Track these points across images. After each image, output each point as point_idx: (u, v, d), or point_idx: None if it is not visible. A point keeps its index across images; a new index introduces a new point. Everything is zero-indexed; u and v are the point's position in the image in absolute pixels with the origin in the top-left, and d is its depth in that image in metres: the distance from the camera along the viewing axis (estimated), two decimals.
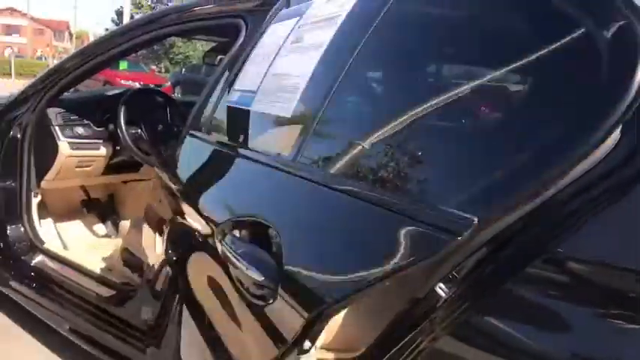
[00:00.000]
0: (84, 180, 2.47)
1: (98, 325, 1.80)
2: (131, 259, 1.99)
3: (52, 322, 1.96)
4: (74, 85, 2.15)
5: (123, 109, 2.15)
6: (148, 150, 2.26)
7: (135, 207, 2.82)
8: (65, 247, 2.49)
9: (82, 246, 2.58)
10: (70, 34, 56.41)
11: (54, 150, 2.16)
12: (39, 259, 2.16)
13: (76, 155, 2.22)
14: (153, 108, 2.36)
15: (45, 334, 2.05)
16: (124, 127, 2.14)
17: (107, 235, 2.77)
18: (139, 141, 2.23)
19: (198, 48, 24.38)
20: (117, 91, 2.47)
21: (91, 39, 29.82)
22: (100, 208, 2.82)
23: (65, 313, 1.92)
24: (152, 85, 10.08)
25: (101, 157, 2.33)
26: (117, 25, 29.93)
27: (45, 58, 30.35)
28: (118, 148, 2.34)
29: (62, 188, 2.48)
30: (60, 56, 31.33)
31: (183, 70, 17.11)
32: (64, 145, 2.17)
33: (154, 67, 21.99)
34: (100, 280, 2.00)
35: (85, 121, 2.27)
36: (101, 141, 2.31)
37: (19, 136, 2.09)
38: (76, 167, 2.27)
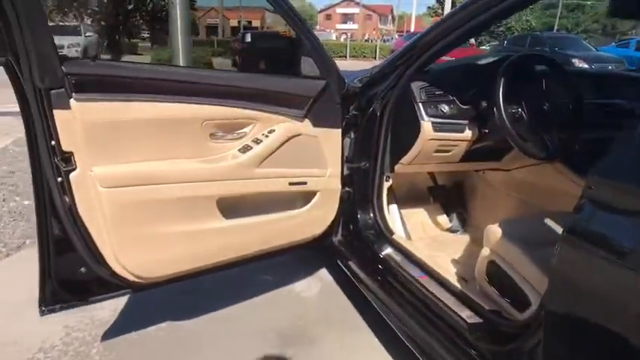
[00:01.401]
0: (438, 166, 2.14)
1: (455, 354, 1.42)
2: (501, 278, 1.53)
3: (393, 323, 1.70)
4: (437, 58, 1.79)
5: (502, 82, 1.67)
6: (525, 135, 1.73)
7: (486, 202, 2.37)
8: (408, 237, 2.24)
9: (424, 238, 2.29)
10: (393, 18, 61.32)
11: (415, 130, 1.86)
12: (387, 251, 1.94)
13: (438, 138, 1.87)
14: (536, 81, 1.81)
15: (390, 336, 1.82)
16: (502, 105, 1.66)
17: (451, 230, 2.42)
18: (517, 123, 1.71)
19: (521, 18, 22.43)
20: (489, 60, 2.01)
21: (413, 20, 31.33)
22: (446, 197, 2.48)
23: (410, 321, 1.62)
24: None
25: (464, 141, 1.92)
26: (440, 3, 30.29)
27: (371, 41, 33.61)
28: (485, 131, 1.89)
29: (412, 173, 2.22)
30: (383, 38, 34.23)
31: (505, 42, 15.92)
32: (427, 125, 1.85)
33: (472, 40, 21.39)
34: (457, 294, 1.61)
35: (451, 97, 1.89)
36: (466, 122, 1.90)
37: (379, 114, 1.87)
38: (435, 152, 1.93)
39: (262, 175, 1.62)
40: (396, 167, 2.00)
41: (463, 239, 2.30)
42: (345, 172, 1.95)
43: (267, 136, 1.61)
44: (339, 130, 1.84)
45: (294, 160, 1.70)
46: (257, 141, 1.59)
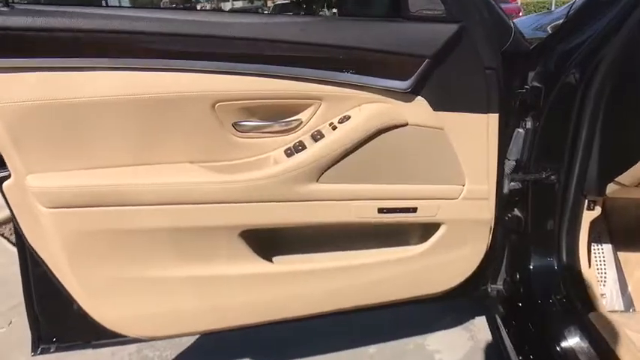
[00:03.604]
0: None
1: None
2: None
3: None
4: None
5: None
6: None
7: None
8: (629, 306, 1.29)
9: None
10: None
11: None
12: (575, 341, 1.06)
13: None
14: None
15: None
16: None
17: None
18: None
19: None
20: None
21: None
22: None
23: None
24: None
25: None
26: None
27: None
28: None
29: None
30: None
31: None
32: None
33: None
34: None
35: None
36: None
37: (581, 85, 0.99)
38: None
39: (325, 195, 0.94)
40: (611, 189, 1.07)
41: None
42: (511, 186, 1.13)
43: (335, 128, 0.91)
44: (495, 116, 1.02)
45: (392, 170, 0.97)
46: (317, 136, 0.91)
